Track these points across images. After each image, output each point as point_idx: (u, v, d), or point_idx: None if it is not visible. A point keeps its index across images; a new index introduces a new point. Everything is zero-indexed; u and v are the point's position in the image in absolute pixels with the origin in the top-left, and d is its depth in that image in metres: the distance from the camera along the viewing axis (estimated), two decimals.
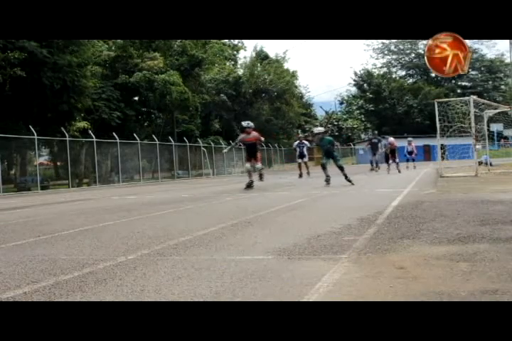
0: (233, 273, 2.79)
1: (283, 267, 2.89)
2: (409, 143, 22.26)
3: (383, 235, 3.87)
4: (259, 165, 11.77)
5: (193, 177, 27.53)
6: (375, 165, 20.85)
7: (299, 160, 19.56)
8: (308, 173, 19.10)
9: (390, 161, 19.70)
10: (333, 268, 2.78)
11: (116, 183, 22.59)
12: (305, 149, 19.52)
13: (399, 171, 18.63)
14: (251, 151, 11.91)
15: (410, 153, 22.30)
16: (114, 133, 22.37)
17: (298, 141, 19.89)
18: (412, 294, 2.23)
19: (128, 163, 24.77)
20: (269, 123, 39.96)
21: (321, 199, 8.20)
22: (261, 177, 11.85)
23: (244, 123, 12.12)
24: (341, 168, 11.90)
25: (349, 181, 11.44)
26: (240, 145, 13.66)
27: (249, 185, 11.48)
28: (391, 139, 20.77)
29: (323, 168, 12.00)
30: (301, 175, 18.73)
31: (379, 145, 21.19)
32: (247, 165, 11.84)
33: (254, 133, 11.88)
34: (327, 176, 11.69)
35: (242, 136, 12.00)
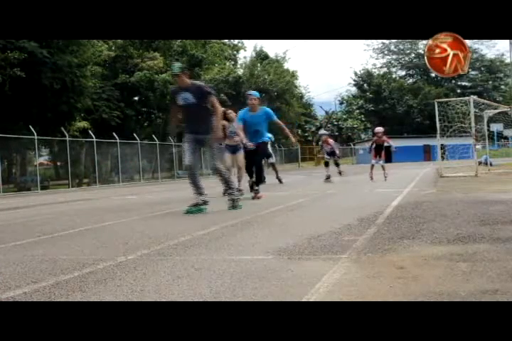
0: (233, 273, 2.79)
1: (283, 267, 2.88)
2: (325, 141, 14.54)
3: (383, 235, 3.87)
4: None
5: None
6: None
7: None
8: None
9: (374, 161, 13.40)
10: (333, 268, 2.78)
11: (116, 183, 22.59)
12: (269, 146, 12.10)
13: (385, 177, 12.86)
14: None
15: (332, 153, 14.40)
16: (114, 133, 22.37)
17: None
18: (411, 294, 2.23)
19: (128, 163, 24.77)
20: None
21: (320, 199, 8.20)
22: None
23: None
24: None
25: None
26: None
27: None
28: (378, 129, 14.02)
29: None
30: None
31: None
32: None
33: None
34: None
35: None
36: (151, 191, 14.20)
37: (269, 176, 12.90)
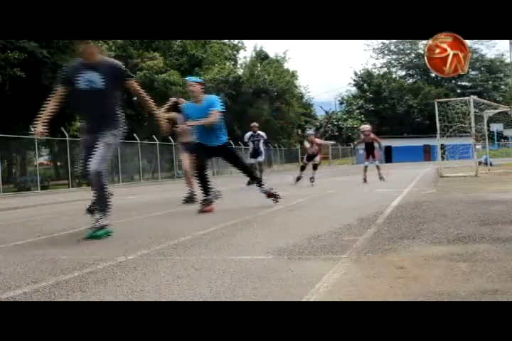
0: (233, 273, 2.79)
1: (283, 267, 2.88)
2: (311, 141, 12.98)
3: (383, 235, 3.87)
4: None
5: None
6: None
7: (252, 161, 12.97)
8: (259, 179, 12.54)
9: (366, 162, 12.75)
10: (333, 268, 2.78)
11: (116, 183, 22.58)
12: (261, 144, 13.19)
13: (381, 178, 12.51)
14: None
15: (313, 156, 12.92)
16: None
17: (251, 132, 13.40)
18: (411, 294, 2.23)
19: (128, 163, 24.76)
20: (269, 123, 39.99)
21: (320, 199, 8.20)
22: None
23: None
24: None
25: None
26: None
27: None
28: (364, 127, 13.50)
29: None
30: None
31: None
32: None
33: None
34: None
35: None
36: (151, 191, 14.20)
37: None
